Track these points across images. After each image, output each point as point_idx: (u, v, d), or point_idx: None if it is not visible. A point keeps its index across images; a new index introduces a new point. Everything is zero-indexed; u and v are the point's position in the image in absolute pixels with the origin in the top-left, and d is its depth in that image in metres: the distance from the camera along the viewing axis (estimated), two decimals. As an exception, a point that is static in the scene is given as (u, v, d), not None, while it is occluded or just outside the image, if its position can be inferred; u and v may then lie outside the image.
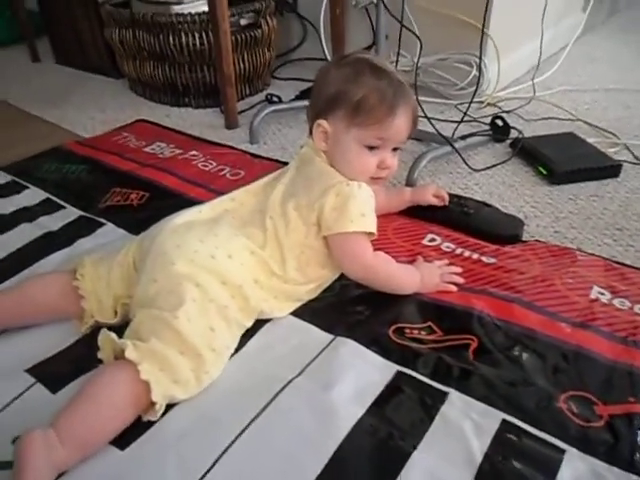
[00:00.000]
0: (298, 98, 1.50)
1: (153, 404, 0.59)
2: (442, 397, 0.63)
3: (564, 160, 1.11)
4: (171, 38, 1.44)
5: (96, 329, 0.69)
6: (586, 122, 1.34)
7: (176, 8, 1.47)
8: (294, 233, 0.74)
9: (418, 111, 0.81)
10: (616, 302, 0.76)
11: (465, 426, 0.59)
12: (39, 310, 0.73)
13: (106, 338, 0.63)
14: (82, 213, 1.01)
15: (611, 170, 1.11)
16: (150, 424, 0.60)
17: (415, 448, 0.57)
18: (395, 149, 0.79)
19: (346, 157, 0.77)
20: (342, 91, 0.75)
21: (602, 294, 0.77)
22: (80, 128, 1.44)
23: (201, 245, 0.69)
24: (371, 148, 0.76)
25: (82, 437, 0.56)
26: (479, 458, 0.56)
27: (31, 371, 0.68)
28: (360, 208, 0.73)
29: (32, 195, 1.09)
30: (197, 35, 1.44)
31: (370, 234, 0.75)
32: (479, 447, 0.57)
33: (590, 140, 1.21)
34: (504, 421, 0.60)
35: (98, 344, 0.64)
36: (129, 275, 0.73)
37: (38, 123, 1.49)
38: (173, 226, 0.72)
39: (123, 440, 0.58)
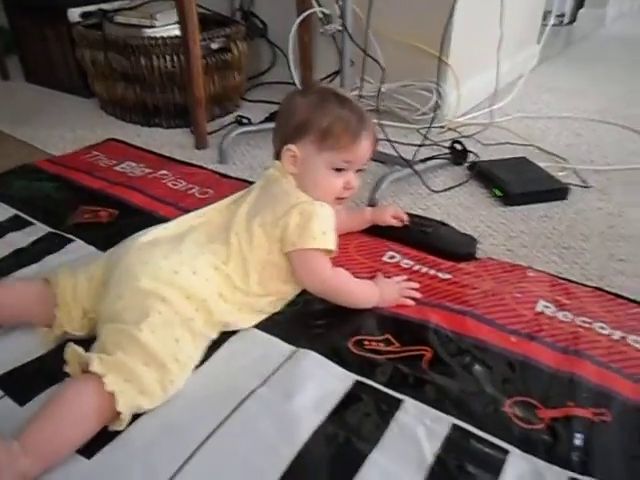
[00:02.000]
0: (267, 120, 1.54)
1: (119, 414, 0.61)
2: (397, 404, 0.66)
3: (517, 183, 1.18)
4: (143, 60, 1.48)
5: (63, 342, 0.70)
6: (539, 147, 1.43)
7: (148, 31, 1.51)
8: (258, 249, 0.78)
9: (377, 134, 0.87)
10: (560, 315, 0.82)
11: (418, 431, 0.63)
12: (12, 311, 0.74)
13: (73, 352, 0.64)
14: (51, 230, 1.03)
15: (560, 193, 1.18)
16: (116, 433, 0.62)
17: (371, 451, 0.61)
18: (358, 170, 0.85)
19: (315, 179, 0.82)
20: (310, 118, 0.81)
21: (547, 307, 0.83)
22: (51, 146, 1.45)
23: (165, 262, 0.72)
24: (338, 170, 0.82)
25: (47, 448, 0.57)
26: (430, 460, 0.60)
27: (-3, 381, 0.69)
28: (322, 226, 0.78)
29: (1, 212, 1.09)
30: (168, 58, 1.48)
31: (330, 251, 0.79)
32: (430, 450, 0.61)
33: (542, 164, 1.28)
34: (454, 425, 0.64)
35: (65, 358, 0.65)
36: (97, 290, 0.75)
37: (8, 141, 1.50)
38: (139, 244, 0.75)
39: (90, 449, 0.60)
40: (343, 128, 0.80)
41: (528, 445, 0.61)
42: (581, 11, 3.13)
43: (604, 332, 0.78)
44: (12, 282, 0.82)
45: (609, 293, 0.87)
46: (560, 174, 1.27)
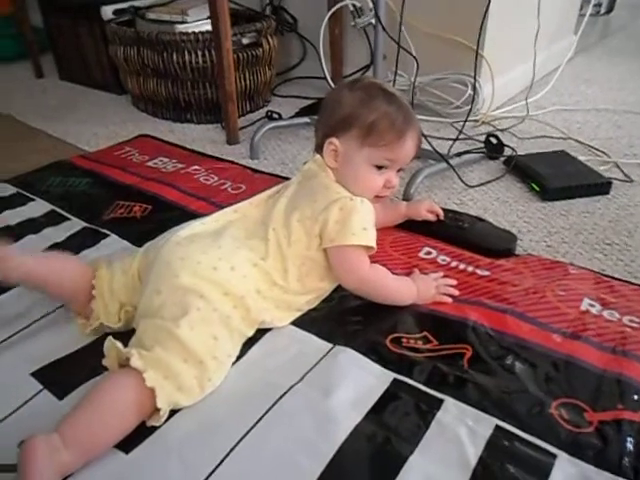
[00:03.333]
0: (298, 115, 1.53)
1: (157, 410, 0.61)
2: (438, 404, 0.65)
3: (556, 177, 1.15)
4: (175, 56, 1.48)
5: (101, 336, 0.71)
6: (578, 141, 1.38)
7: (180, 27, 1.51)
8: (296, 244, 0.77)
9: (422, 138, 0.86)
10: (606, 313, 0.78)
11: (460, 431, 0.61)
12: (61, 287, 0.75)
13: (111, 346, 0.64)
14: (86, 224, 1.04)
15: (602, 187, 1.14)
16: (154, 429, 0.62)
17: (412, 453, 0.59)
18: (399, 170, 0.84)
19: (356, 175, 0.81)
20: (356, 113, 0.79)
21: (592, 306, 0.80)
22: (84, 143, 1.47)
23: (204, 257, 0.71)
24: (379, 168, 0.81)
25: (86, 442, 0.57)
26: (473, 462, 0.58)
27: (37, 374, 0.70)
28: (362, 222, 0.76)
29: (37, 207, 1.11)
30: (200, 53, 1.48)
31: (369, 248, 0.78)
32: (473, 452, 0.59)
33: (581, 158, 1.24)
34: (497, 427, 0.62)
35: (103, 351, 0.65)
36: (133, 284, 0.75)
37: (42, 137, 1.52)
38: (177, 239, 0.74)
39: (128, 444, 0.60)
40: (388, 125, 0.78)
41: (576, 449, 0.59)
42: (619, 1, 3.03)
43: (653, 332, 0.75)
44: (65, 256, 0.83)
45: (657, 291, 0.84)
46: (601, 168, 1.23)
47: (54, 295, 0.77)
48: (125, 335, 0.68)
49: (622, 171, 1.23)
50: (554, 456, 0.58)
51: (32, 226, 1.03)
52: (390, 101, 0.80)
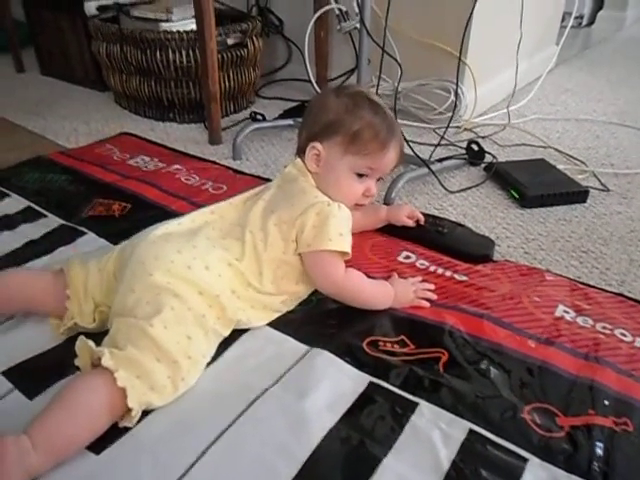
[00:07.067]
0: (281, 117, 1.53)
1: (129, 410, 0.60)
2: (412, 407, 0.65)
3: (535, 185, 1.16)
4: (158, 54, 1.47)
5: (74, 335, 0.70)
6: (557, 149, 1.40)
7: (164, 26, 1.50)
8: (272, 248, 0.76)
9: (404, 146, 0.87)
10: (579, 320, 0.80)
11: (434, 435, 0.61)
12: (22, 300, 0.74)
13: (83, 345, 0.63)
14: (63, 222, 1.02)
15: (579, 196, 1.16)
16: (126, 429, 0.61)
17: (385, 456, 0.59)
18: (379, 179, 0.85)
19: (336, 181, 0.82)
20: (341, 120, 0.80)
21: (567, 312, 0.81)
22: (63, 139, 1.45)
23: (178, 256, 0.70)
24: (360, 176, 0.82)
25: (56, 443, 0.56)
26: (446, 465, 0.58)
27: (7, 374, 0.68)
28: (339, 228, 0.76)
29: (13, 203, 1.09)
30: (184, 52, 1.47)
31: (345, 254, 0.78)
32: (447, 455, 0.59)
33: (560, 167, 1.26)
34: (471, 431, 0.62)
35: (75, 351, 0.64)
36: (108, 283, 0.74)
37: (21, 133, 1.50)
38: (152, 237, 0.74)
39: (98, 444, 0.59)
40: (372, 135, 0.79)
41: (547, 453, 0.60)
42: (600, 13, 3.09)
43: (626, 339, 0.76)
44: (23, 271, 0.82)
45: (630, 299, 0.85)
46: (579, 177, 1.25)
47: (25, 311, 0.76)
48: (98, 335, 0.67)
49: (599, 180, 1.25)
50: (525, 460, 0.59)
51: (7, 222, 1.01)
52: (375, 111, 0.81)
